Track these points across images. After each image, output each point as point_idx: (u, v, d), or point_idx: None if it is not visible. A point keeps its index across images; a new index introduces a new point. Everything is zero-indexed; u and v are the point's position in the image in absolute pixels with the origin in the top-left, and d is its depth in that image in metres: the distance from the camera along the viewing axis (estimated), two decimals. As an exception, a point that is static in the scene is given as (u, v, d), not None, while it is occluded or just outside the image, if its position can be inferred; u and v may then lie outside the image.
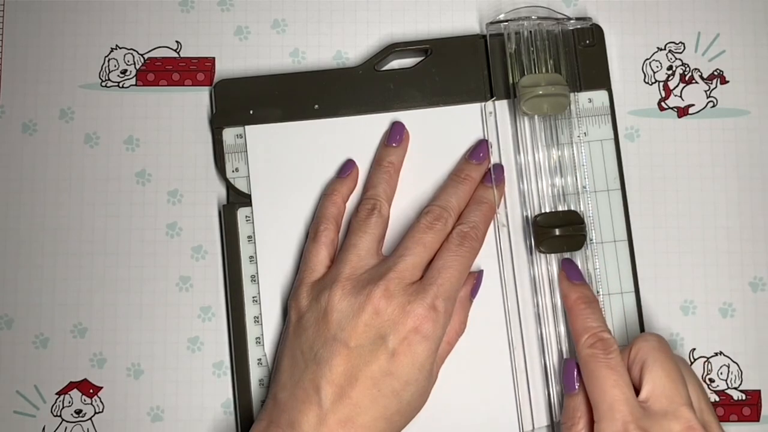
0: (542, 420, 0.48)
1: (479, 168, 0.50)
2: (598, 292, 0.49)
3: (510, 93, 0.50)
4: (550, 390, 0.48)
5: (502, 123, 0.51)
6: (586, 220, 0.49)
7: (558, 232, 0.48)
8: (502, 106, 0.51)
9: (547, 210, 0.49)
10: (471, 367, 0.49)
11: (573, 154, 0.50)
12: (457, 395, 0.49)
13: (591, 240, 0.49)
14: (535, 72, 0.49)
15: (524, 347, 0.49)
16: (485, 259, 0.49)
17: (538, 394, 0.49)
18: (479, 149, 0.50)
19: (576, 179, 0.50)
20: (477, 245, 0.47)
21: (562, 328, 0.48)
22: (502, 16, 0.50)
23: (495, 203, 0.49)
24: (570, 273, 0.47)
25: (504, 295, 0.49)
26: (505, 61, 0.50)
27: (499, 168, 0.50)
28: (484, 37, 0.51)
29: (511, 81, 0.50)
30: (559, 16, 0.50)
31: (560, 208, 0.49)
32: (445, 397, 0.48)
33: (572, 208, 0.49)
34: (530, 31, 0.50)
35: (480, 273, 0.49)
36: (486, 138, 0.50)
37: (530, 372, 0.49)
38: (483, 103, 0.51)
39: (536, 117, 0.49)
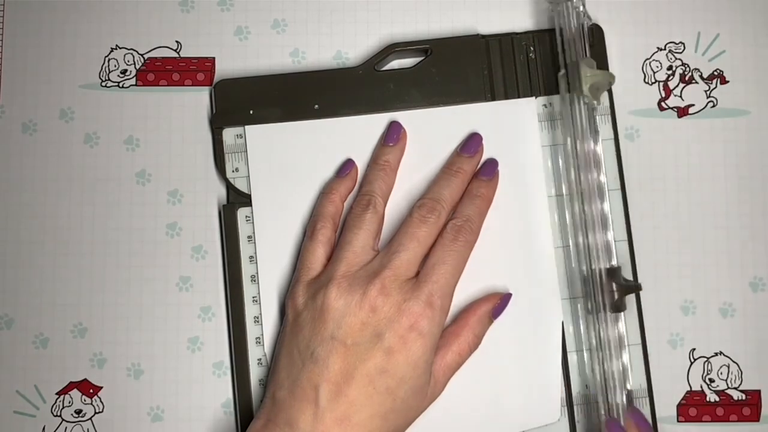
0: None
1: (471, 161, 0.49)
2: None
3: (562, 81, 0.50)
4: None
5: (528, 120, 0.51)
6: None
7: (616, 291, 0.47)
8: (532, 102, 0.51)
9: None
10: (481, 375, 0.49)
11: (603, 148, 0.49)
12: (467, 404, 0.49)
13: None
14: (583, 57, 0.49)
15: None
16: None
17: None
18: (471, 142, 0.50)
19: (605, 175, 0.49)
20: (472, 238, 0.47)
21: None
22: None
23: (491, 197, 0.49)
24: (640, 425, 0.46)
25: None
26: (558, 45, 0.50)
27: (492, 162, 0.50)
28: (484, 37, 0.51)
29: (570, 59, 0.49)
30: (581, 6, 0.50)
31: (602, 206, 0.48)
32: (455, 407, 0.48)
33: (606, 208, 0.48)
34: (580, 13, 0.49)
35: (507, 295, 0.49)
36: (572, 116, 0.49)
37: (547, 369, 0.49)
38: (484, 103, 0.51)
39: (584, 107, 0.48)
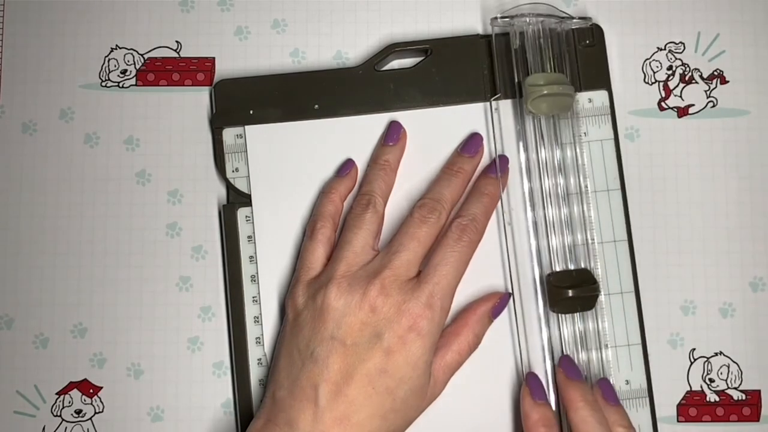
0: None
1: (472, 161, 0.49)
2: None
3: (515, 92, 0.50)
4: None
5: (505, 122, 0.50)
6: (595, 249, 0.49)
7: (571, 293, 0.47)
8: (506, 105, 0.51)
9: (552, 219, 0.48)
10: (478, 379, 0.49)
11: (576, 154, 0.49)
12: (464, 406, 0.49)
13: (592, 240, 0.49)
14: (539, 71, 0.49)
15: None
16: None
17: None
18: (472, 142, 0.50)
19: (579, 180, 0.49)
20: (476, 238, 0.47)
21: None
22: (506, 13, 0.50)
23: (498, 195, 0.49)
24: (568, 371, 0.46)
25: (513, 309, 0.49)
26: (510, 59, 0.50)
27: (503, 159, 0.50)
28: (484, 36, 0.51)
29: (516, 80, 0.50)
30: (562, 14, 0.50)
31: (563, 211, 0.48)
32: (453, 407, 0.48)
33: (575, 212, 0.49)
34: (534, 29, 0.49)
35: (506, 295, 0.49)
36: (494, 134, 0.50)
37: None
38: (486, 103, 0.51)
39: (541, 116, 0.49)
